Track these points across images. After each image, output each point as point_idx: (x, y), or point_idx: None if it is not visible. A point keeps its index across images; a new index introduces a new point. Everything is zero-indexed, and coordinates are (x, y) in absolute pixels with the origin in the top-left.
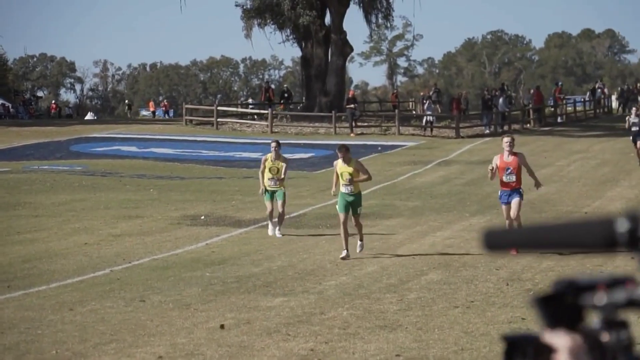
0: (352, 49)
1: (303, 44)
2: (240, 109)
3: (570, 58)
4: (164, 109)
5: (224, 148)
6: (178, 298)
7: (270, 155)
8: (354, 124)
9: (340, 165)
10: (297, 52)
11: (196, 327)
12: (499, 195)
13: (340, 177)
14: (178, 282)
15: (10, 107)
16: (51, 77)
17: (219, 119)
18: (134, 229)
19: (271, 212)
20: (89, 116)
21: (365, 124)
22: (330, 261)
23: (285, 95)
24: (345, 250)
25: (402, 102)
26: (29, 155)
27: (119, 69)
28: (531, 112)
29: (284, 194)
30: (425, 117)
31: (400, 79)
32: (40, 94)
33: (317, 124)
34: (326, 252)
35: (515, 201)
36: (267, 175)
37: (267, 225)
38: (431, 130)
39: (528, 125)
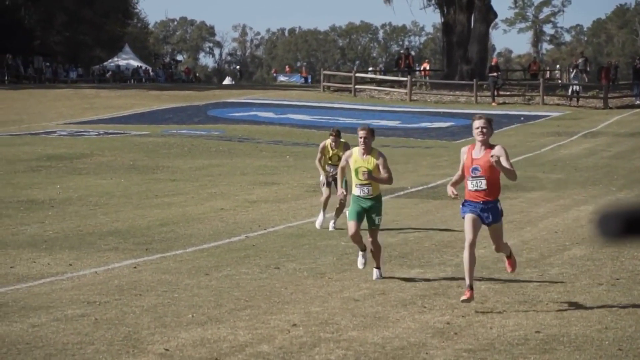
0: (496, 15)
1: (445, 10)
2: (379, 76)
3: None
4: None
5: (362, 115)
6: (313, 266)
7: (328, 142)
8: (496, 92)
9: (355, 157)
10: (438, 18)
11: (330, 296)
12: (461, 204)
13: (354, 175)
14: (313, 250)
15: (150, 70)
16: (191, 41)
17: (356, 86)
18: (269, 196)
19: (327, 199)
20: (227, 81)
21: (508, 93)
22: None
23: (399, 61)
24: (362, 259)
25: (547, 71)
26: (168, 119)
27: (258, 33)
28: None
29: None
30: (571, 87)
31: (545, 46)
32: (179, 57)
33: (457, 93)
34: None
35: (493, 227)
36: (327, 163)
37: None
38: (577, 100)
39: None
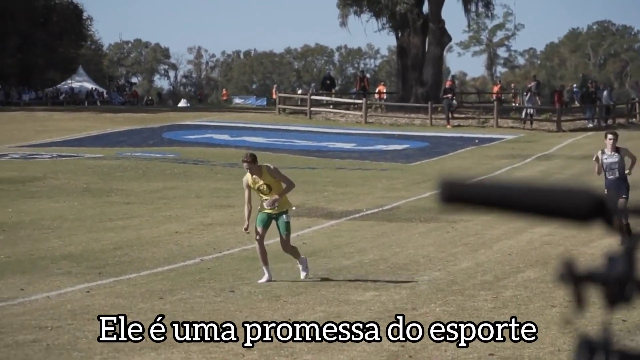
0: (450, 39)
1: (399, 33)
2: (334, 99)
3: None
4: (224, 97)
5: (317, 138)
6: (268, 289)
7: (247, 176)
8: (450, 115)
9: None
10: (393, 41)
11: (285, 319)
12: None
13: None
14: None
15: (104, 93)
16: (145, 64)
17: (312, 108)
18: (225, 219)
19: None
20: (182, 103)
21: (463, 115)
22: (423, 255)
23: (328, 82)
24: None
25: (509, 94)
26: (122, 141)
27: (213, 55)
28: (638, 105)
29: (288, 223)
30: (525, 110)
31: (500, 69)
32: (134, 80)
33: (412, 115)
34: (419, 246)
35: None
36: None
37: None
38: (531, 123)
39: (634, 119)
